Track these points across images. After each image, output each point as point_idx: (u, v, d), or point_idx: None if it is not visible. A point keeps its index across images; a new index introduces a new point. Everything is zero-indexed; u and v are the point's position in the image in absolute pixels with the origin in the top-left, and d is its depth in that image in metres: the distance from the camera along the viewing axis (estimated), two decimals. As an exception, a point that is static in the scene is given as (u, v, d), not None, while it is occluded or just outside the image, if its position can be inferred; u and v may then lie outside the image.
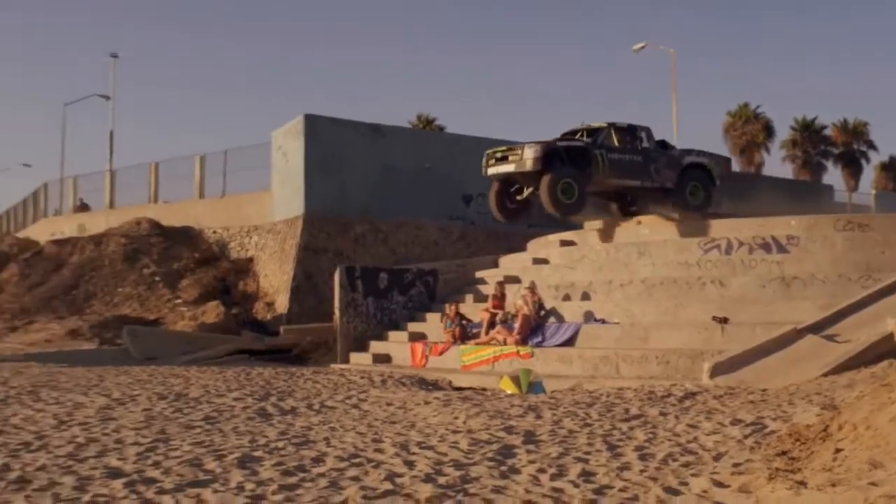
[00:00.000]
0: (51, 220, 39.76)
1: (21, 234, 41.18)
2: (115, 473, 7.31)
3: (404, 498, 6.38)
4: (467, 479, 6.95)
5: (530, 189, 20.49)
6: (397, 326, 19.80)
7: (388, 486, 6.78)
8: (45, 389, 13.73)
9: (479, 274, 21.42)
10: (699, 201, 22.07)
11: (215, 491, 6.64)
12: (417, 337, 18.84)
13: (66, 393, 13.24)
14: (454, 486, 6.71)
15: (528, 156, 20.32)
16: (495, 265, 21.73)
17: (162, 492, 6.60)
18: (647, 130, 22.36)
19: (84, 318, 26.95)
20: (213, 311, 24.92)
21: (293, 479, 7.02)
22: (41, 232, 38.55)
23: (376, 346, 19.09)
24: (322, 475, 7.19)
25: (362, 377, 15.87)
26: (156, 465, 7.66)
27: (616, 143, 21.21)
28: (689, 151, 22.86)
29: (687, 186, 21.91)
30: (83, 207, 38.11)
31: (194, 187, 31.32)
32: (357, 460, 7.80)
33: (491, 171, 20.92)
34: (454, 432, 9.29)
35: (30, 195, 44.74)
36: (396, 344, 18.99)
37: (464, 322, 17.83)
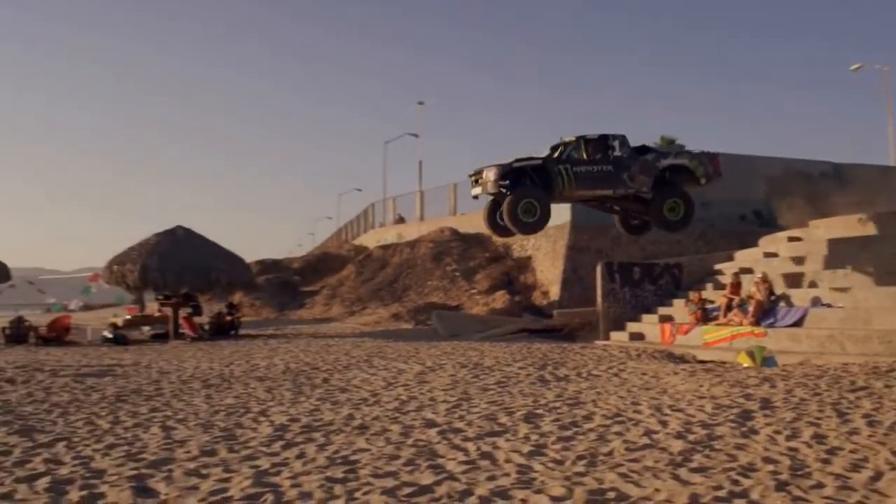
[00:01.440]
0: (377, 231, 41.83)
1: (356, 242, 43.63)
2: (430, 424, 7.57)
3: (660, 451, 6.21)
4: (713, 437, 6.66)
5: None
6: (649, 310, 19.30)
7: (645, 440, 6.62)
8: (377, 359, 14.42)
9: (717, 266, 20.49)
10: (678, 217, 18.96)
11: (507, 440, 6.74)
12: (666, 319, 18.31)
13: (392, 362, 13.85)
14: (701, 443, 6.46)
15: (489, 178, 17.70)
16: (731, 259, 20.70)
17: (466, 439, 6.78)
18: (621, 138, 19.07)
19: (403, 304, 28.15)
20: (500, 299, 25.35)
21: (568, 433, 7.00)
22: (370, 239, 40.66)
23: (632, 327, 18.72)
24: (591, 430, 7.12)
25: (621, 352, 15.59)
26: (461, 418, 7.86)
27: (584, 156, 18.19)
28: (665, 154, 19.00)
29: (665, 200, 18.93)
30: (400, 220, 39.82)
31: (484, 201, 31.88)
32: (619, 419, 7.66)
33: (472, 192, 19.23)
34: (699, 398, 8.93)
35: (361, 212, 47.32)
36: (648, 325, 18.53)
37: (706, 306, 17.14)
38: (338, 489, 5.15)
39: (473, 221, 31.82)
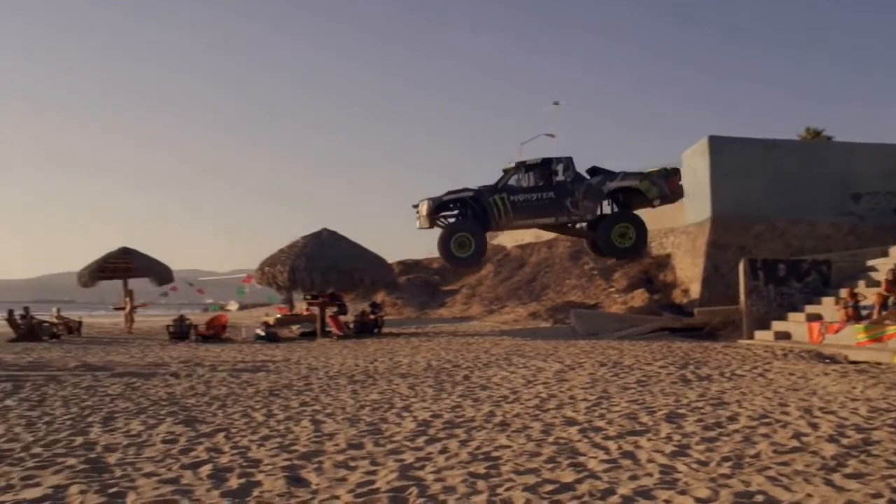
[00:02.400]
0: (515, 231, 41.76)
1: (494, 242, 43.74)
2: (570, 422, 7.50)
3: (811, 454, 5.91)
4: (869, 442, 6.29)
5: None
6: (795, 308, 18.41)
7: (795, 443, 6.32)
8: (516, 357, 14.42)
9: (870, 262, 19.34)
10: (628, 244, 16.82)
11: (649, 439, 6.59)
12: (814, 317, 17.40)
13: (530, 360, 13.81)
14: (857, 447, 6.10)
15: (422, 212, 17.05)
16: (885, 254, 19.48)
17: (607, 438, 6.68)
18: (566, 161, 17.64)
19: (541, 303, 28.03)
20: (639, 297, 24.83)
21: (712, 434, 6.77)
22: (508, 239, 40.61)
23: (777, 325, 17.91)
24: (737, 431, 6.87)
25: (765, 351, 14.97)
26: (601, 416, 7.75)
27: (525, 183, 16.97)
28: (612, 176, 17.36)
29: (614, 226, 16.86)
30: (537, 219, 39.56)
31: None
32: (766, 420, 7.35)
33: (416, 224, 17.67)
34: (853, 400, 8.46)
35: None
36: (795, 323, 17.67)
37: (858, 304, 16.20)
38: (480, 484, 5.17)
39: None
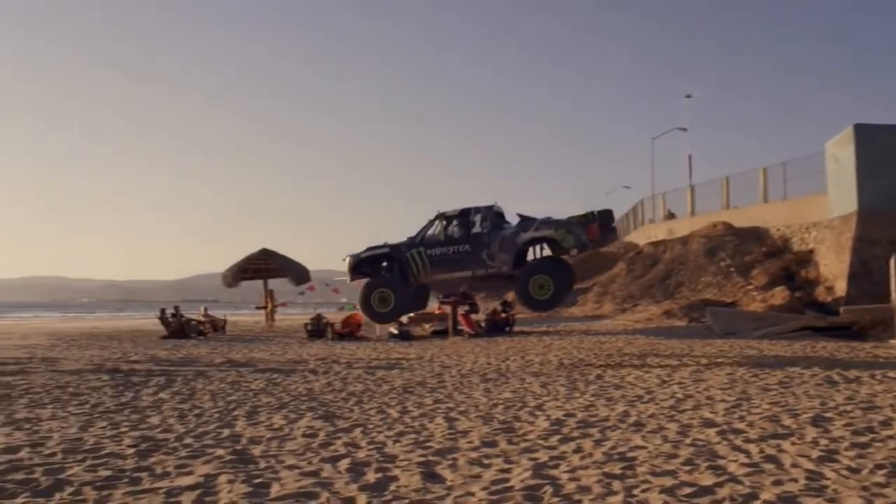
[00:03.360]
0: (647, 228, 40.97)
1: (626, 239, 43.04)
2: (708, 423, 7.27)
3: (975, 462, 5.51)
4: None
5: None
6: (954, 307, 17.21)
7: (957, 450, 5.90)
8: (650, 356, 14.11)
9: None
10: (546, 295, 15.21)
11: (793, 443, 6.30)
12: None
13: (665, 359, 13.48)
14: None
15: (347, 268, 16.37)
16: None
17: (748, 441, 6.43)
18: (484, 211, 16.80)
19: (675, 301, 27.32)
20: (779, 295, 23.80)
21: (863, 439, 6.41)
22: (640, 236, 39.94)
23: (933, 325, 16.80)
24: (891, 437, 6.47)
25: (921, 352, 14.06)
26: (741, 418, 7.48)
27: (444, 235, 16.34)
28: (527, 225, 16.18)
29: (531, 278, 15.38)
30: (671, 216, 38.69)
31: (759, 194, 30.20)
32: (923, 425, 6.91)
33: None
34: None
35: (630, 209, 46.59)
36: (954, 323, 16.53)
37: None
38: (616, 485, 5.09)
39: (748, 215, 30.23)
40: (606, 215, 18.14)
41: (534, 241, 16.57)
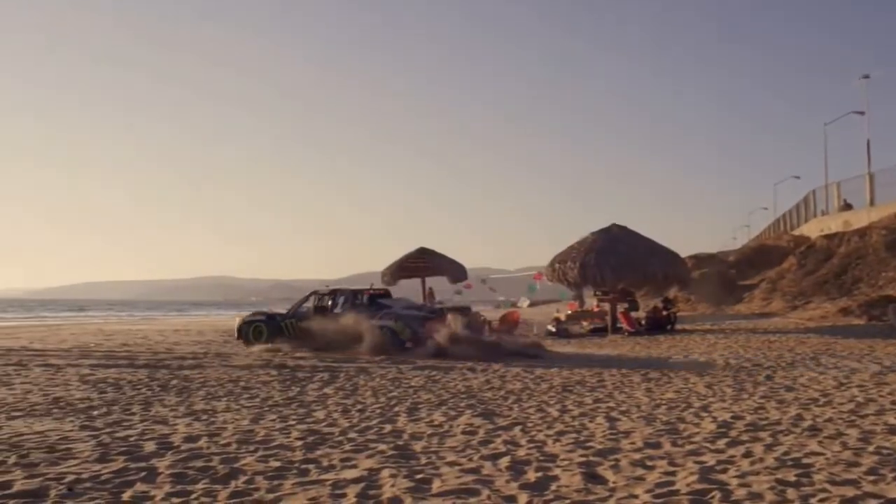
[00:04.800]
0: (819, 220, 38.77)
1: (795, 232, 40.93)
2: (894, 430, 6.80)
3: None
4: None
5: None
6: None
7: None
8: (825, 356, 13.39)
9: None
10: None
11: None
12: None
13: (842, 360, 12.75)
14: None
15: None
16: None
17: (940, 449, 5.96)
18: (348, 294, 18.08)
19: (852, 298, 25.71)
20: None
21: None
22: (812, 229, 37.84)
23: None
24: None
25: None
26: (931, 425, 6.95)
27: (312, 311, 17.78)
28: (373, 312, 16.79)
29: None
30: (846, 207, 36.42)
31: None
32: None
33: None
34: None
35: (801, 200, 44.24)
36: None
37: None
38: (790, 493, 4.84)
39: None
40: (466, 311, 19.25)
41: (381, 329, 17.18)
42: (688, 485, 5.07)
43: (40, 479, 5.16)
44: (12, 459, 5.69)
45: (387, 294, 19.89)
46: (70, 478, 5.19)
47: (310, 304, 19.09)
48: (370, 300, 18.57)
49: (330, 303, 18.78)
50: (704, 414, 7.82)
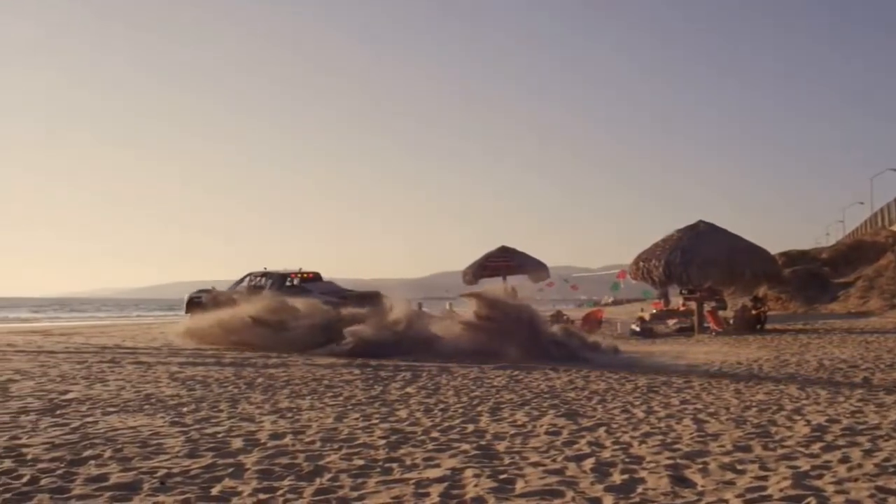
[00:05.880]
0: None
1: (894, 228, 39.41)
2: None
3: None
4: None
5: None
6: None
7: None
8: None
9: None
10: None
11: None
12: None
13: (947, 361, 12.21)
14: None
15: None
16: None
17: None
18: (275, 276, 20.36)
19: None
20: None
21: None
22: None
23: None
24: None
25: None
26: None
27: (247, 289, 20.02)
28: (302, 291, 19.80)
29: None
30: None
31: None
32: None
33: None
34: None
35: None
36: None
37: None
38: (893, 501, 4.65)
39: None
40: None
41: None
42: (781, 490, 4.93)
43: (134, 472, 5.34)
44: (108, 453, 5.90)
45: (317, 278, 21.85)
46: (162, 472, 5.35)
47: (245, 284, 21.32)
48: (297, 283, 20.63)
49: (262, 284, 20.93)
50: (797, 417, 7.58)
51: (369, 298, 18.64)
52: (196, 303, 22.05)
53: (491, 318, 14.90)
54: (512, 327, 14.43)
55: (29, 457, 5.74)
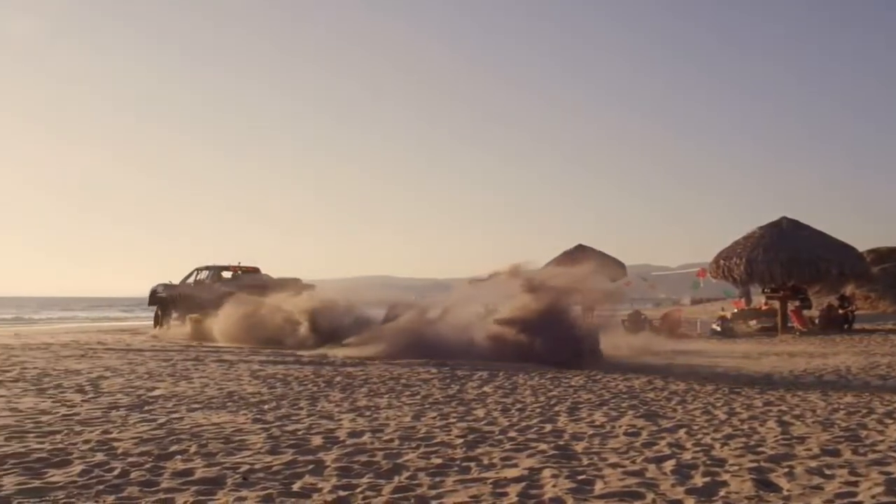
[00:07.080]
0: None
1: None
2: None
3: None
4: None
5: None
6: None
7: None
8: None
9: None
10: None
11: None
12: None
13: None
14: None
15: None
16: None
17: None
18: (214, 269, 23.11)
19: None
20: None
21: None
22: None
23: None
24: None
25: None
26: None
27: (194, 281, 23.46)
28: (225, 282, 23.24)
29: None
30: None
31: None
32: None
33: None
34: None
35: None
36: None
37: None
38: None
39: None
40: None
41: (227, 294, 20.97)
42: (873, 497, 4.76)
43: (218, 467, 5.47)
44: (193, 448, 6.06)
45: (255, 271, 23.99)
46: (244, 468, 5.47)
47: (192, 278, 23.99)
48: (231, 277, 23.28)
49: (203, 277, 23.59)
50: (889, 420, 7.32)
51: (289, 284, 21.29)
52: (157, 296, 25.36)
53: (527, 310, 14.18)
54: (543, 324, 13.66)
55: (119, 451, 5.93)
